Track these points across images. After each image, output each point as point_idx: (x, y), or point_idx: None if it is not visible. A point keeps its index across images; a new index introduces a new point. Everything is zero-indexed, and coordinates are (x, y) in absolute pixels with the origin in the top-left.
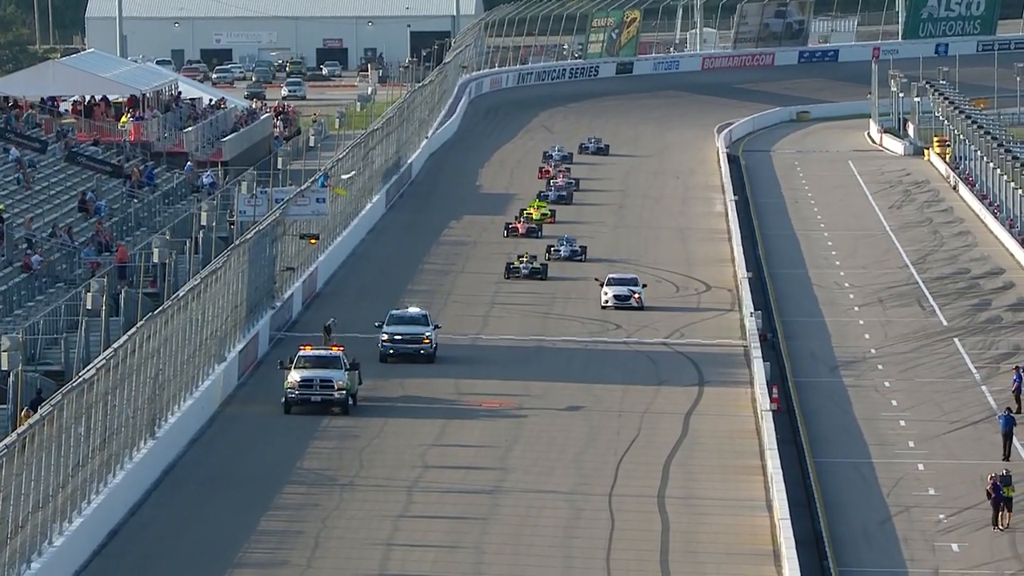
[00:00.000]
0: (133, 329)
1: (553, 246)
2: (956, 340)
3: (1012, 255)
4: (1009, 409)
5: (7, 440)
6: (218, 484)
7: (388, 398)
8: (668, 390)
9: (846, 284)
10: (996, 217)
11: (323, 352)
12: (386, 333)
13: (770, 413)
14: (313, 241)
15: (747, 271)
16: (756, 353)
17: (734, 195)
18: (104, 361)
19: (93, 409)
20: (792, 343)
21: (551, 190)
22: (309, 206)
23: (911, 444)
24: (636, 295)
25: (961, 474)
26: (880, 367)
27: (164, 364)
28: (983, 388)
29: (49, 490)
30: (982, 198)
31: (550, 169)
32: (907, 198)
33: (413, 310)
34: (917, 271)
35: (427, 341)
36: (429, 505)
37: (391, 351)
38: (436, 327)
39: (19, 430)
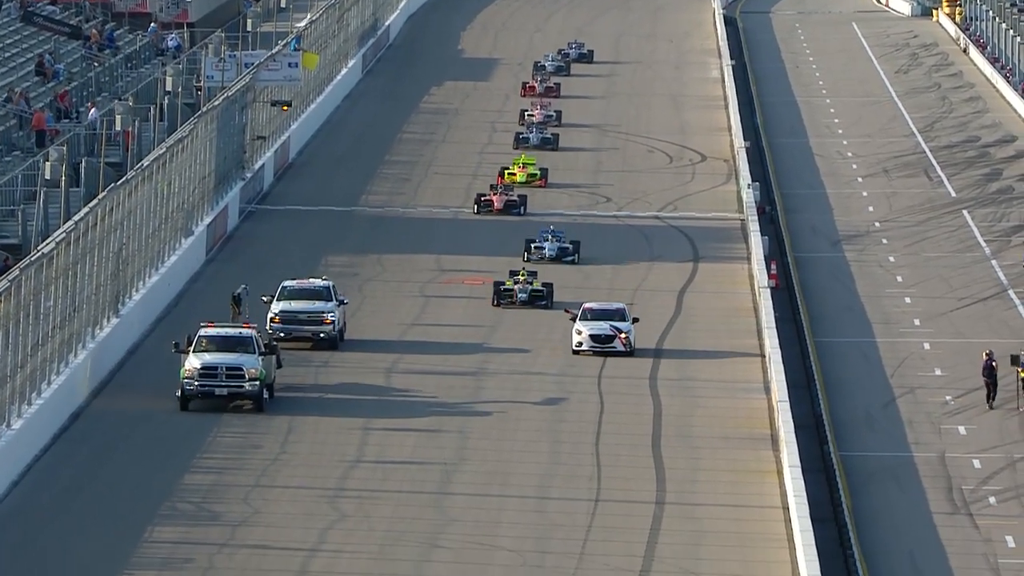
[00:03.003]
0: (95, 201)
1: (534, 242)
2: (965, 212)
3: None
4: None
5: None
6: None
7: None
8: (661, 266)
9: (849, 154)
10: (1008, 82)
11: (231, 331)
12: (277, 311)
13: (768, 290)
14: (285, 108)
15: (744, 140)
16: (754, 227)
17: (731, 60)
18: (64, 234)
19: (53, 285)
20: (792, 216)
21: (531, 130)
22: (281, 71)
23: (916, 322)
24: (623, 335)
25: (969, 353)
26: (884, 241)
27: (128, 238)
28: (993, 263)
29: (7, 370)
30: (993, 61)
31: (535, 85)
32: (914, 62)
33: (314, 281)
34: (924, 139)
35: (329, 322)
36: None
37: (282, 334)
38: (342, 303)
39: None
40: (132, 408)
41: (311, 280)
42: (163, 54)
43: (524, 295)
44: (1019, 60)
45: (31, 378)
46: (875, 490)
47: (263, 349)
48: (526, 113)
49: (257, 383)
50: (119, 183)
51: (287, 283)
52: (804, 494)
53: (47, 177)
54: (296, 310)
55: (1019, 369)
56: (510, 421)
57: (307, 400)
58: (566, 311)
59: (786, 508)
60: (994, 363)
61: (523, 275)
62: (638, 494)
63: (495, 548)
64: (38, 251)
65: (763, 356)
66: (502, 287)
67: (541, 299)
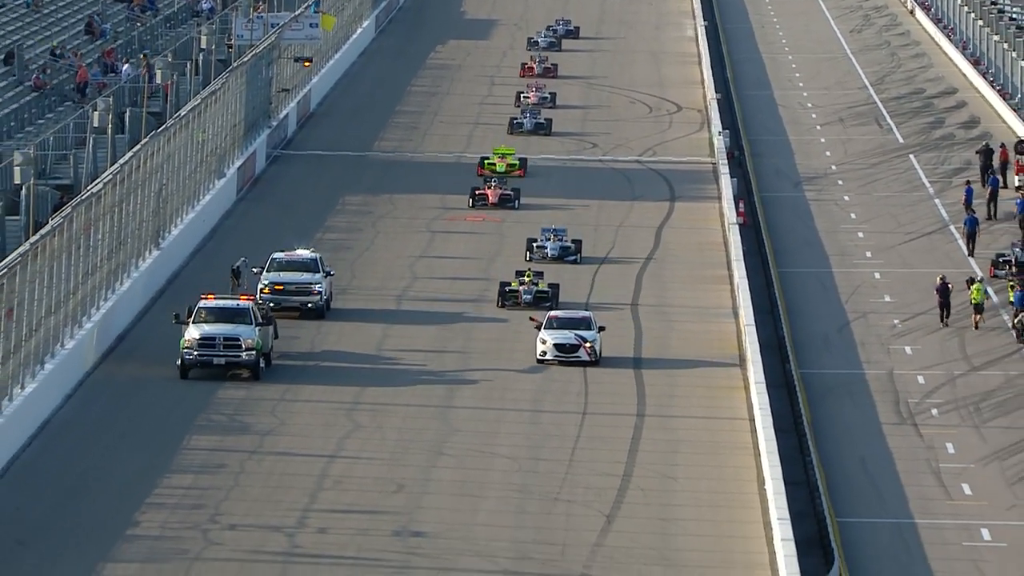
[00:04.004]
0: (138, 146)
1: (537, 241)
2: (911, 156)
3: (965, 75)
4: (973, 210)
5: (21, 249)
6: (221, 292)
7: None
8: (641, 205)
9: (809, 104)
10: (950, 40)
11: (229, 303)
12: (267, 282)
13: (737, 226)
14: (307, 64)
15: (716, 92)
16: (724, 170)
17: (704, 20)
18: (111, 176)
19: (101, 221)
20: (758, 160)
21: (525, 116)
22: (303, 31)
23: (868, 254)
24: (588, 344)
25: (915, 282)
26: (840, 182)
27: (167, 179)
28: (936, 201)
29: (60, 296)
30: (936, 22)
31: (533, 66)
32: (866, 22)
33: (302, 253)
34: (875, 92)
35: (316, 293)
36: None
37: (272, 304)
38: (328, 274)
39: (31, 240)
40: (173, 331)
41: (299, 252)
42: (198, 16)
43: (529, 296)
44: (959, 20)
45: (82, 303)
46: (831, 403)
47: (260, 320)
48: (522, 95)
49: (254, 352)
50: (159, 130)
51: (276, 255)
52: (768, 407)
53: (95, 125)
54: (285, 281)
55: (972, 289)
56: (507, 343)
57: (314, 354)
58: (531, 319)
59: (752, 420)
60: (949, 285)
61: (529, 276)
62: (622, 408)
63: (494, 455)
64: (88, 191)
65: (732, 285)
66: (507, 288)
67: (546, 300)
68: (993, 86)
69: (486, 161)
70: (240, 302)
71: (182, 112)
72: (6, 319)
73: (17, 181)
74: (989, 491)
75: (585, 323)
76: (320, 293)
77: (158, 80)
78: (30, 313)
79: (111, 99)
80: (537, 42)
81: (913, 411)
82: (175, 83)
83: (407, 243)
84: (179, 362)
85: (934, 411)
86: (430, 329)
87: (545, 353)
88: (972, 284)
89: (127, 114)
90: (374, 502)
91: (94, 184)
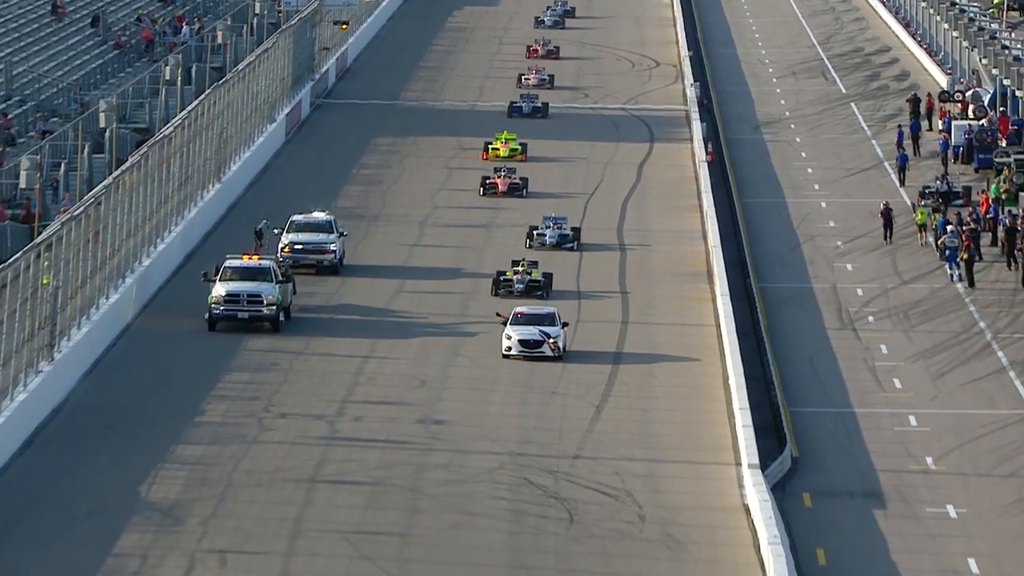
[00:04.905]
0: (203, 95)
1: (537, 229)
2: (852, 104)
3: (897, 36)
4: (903, 148)
5: (105, 182)
6: (275, 218)
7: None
8: (625, 145)
9: (767, 60)
10: (886, 6)
11: (251, 263)
12: (286, 242)
13: (706, 164)
14: (344, 27)
15: (689, 50)
16: (695, 116)
17: None
18: (180, 121)
19: (172, 159)
20: (724, 108)
21: (523, 100)
22: None
23: (816, 187)
24: (551, 340)
25: (855, 210)
26: (792, 126)
27: (227, 124)
28: (873, 142)
29: (138, 221)
30: None
31: (538, 48)
32: None
33: (318, 215)
34: (822, 50)
35: (330, 251)
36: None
37: (292, 262)
38: (342, 235)
39: (114, 174)
40: (235, 248)
41: (315, 215)
42: None
43: (521, 285)
44: None
45: (156, 227)
46: (784, 312)
47: (280, 278)
48: (523, 77)
49: (274, 307)
50: (220, 82)
51: (295, 217)
52: (732, 315)
53: (167, 78)
54: (303, 241)
55: (918, 211)
56: (503, 261)
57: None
58: (498, 314)
59: (718, 326)
60: (891, 210)
61: (523, 266)
62: (609, 317)
63: (502, 358)
64: (161, 133)
65: (701, 213)
66: (502, 277)
67: (538, 289)
68: (921, 45)
69: (490, 146)
70: (262, 261)
71: (239, 67)
72: (93, 241)
73: (102, 125)
74: (916, 385)
75: (549, 319)
76: (334, 252)
77: (219, 40)
78: (113, 236)
79: (180, 56)
80: (544, 21)
81: (853, 318)
82: (233, 43)
83: (428, 178)
84: (207, 316)
85: (870, 318)
86: (445, 271)
87: (511, 348)
88: (917, 208)
89: (193, 69)
90: (401, 395)
91: (166, 128)
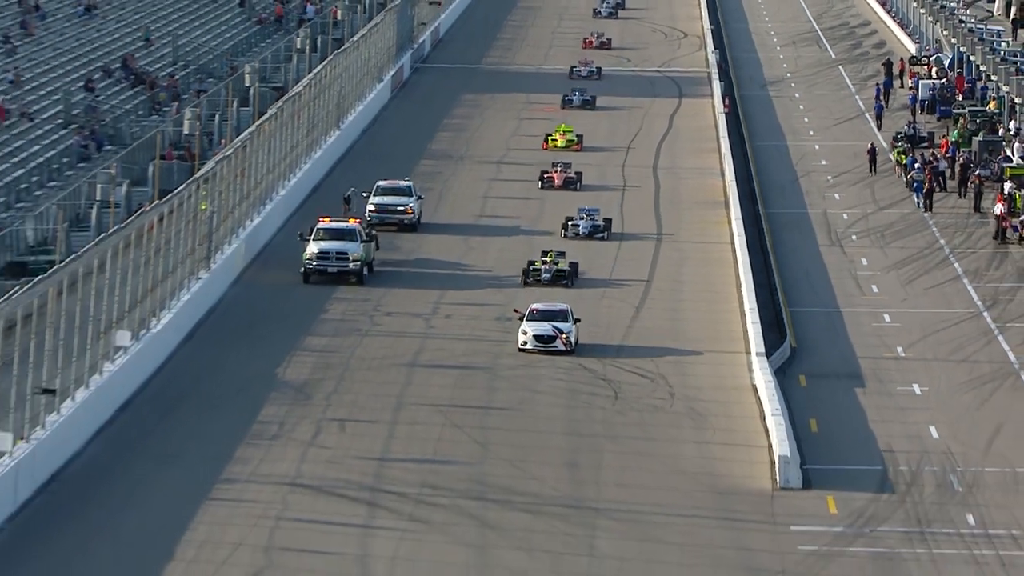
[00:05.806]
0: (325, 61)
1: (572, 219)
2: (840, 67)
3: (876, 12)
4: (880, 100)
5: (249, 129)
6: (382, 159)
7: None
8: (660, 100)
9: (772, 32)
10: None
11: (340, 224)
12: (373, 203)
13: (724, 115)
14: (438, 5)
15: (711, 24)
16: (715, 76)
17: None
18: (308, 81)
19: (302, 111)
20: (738, 71)
21: (574, 94)
22: None
23: (811, 132)
24: (564, 335)
25: (842, 151)
26: (792, 84)
27: (344, 85)
28: (856, 97)
29: (273, 162)
30: None
31: (592, 40)
32: None
33: (399, 182)
34: (817, 23)
35: (410, 212)
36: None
37: (377, 220)
38: (420, 198)
39: (256, 123)
40: (353, 185)
41: (398, 181)
42: None
43: (548, 275)
44: None
45: (289, 166)
46: (786, 234)
47: (364, 237)
48: (574, 69)
49: (359, 263)
50: (340, 51)
51: (381, 182)
52: (744, 235)
53: (298, 47)
54: (387, 203)
55: (892, 154)
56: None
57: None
58: (515, 311)
59: (733, 244)
60: (876, 149)
61: (551, 256)
62: (645, 235)
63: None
64: (293, 91)
65: (719, 153)
66: (531, 267)
67: (563, 279)
68: (894, 19)
69: (549, 137)
70: (348, 224)
71: (354, 38)
72: (240, 176)
73: (247, 84)
74: (889, 290)
75: (563, 315)
76: (413, 212)
77: (339, 17)
78: (256, 172)
79: (308, 30)
80: (600, 12)
81: (839, 237)
82: (349, 19)
83: (504, 126)
84: (302, 270)
85: (853, 237)
86: (498, 241)
87: (526, 343)
88: (894, 149)
89: (318, 40)
90: (483, 298)
91: (297, 87)
